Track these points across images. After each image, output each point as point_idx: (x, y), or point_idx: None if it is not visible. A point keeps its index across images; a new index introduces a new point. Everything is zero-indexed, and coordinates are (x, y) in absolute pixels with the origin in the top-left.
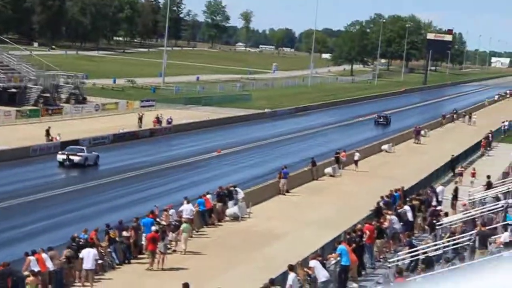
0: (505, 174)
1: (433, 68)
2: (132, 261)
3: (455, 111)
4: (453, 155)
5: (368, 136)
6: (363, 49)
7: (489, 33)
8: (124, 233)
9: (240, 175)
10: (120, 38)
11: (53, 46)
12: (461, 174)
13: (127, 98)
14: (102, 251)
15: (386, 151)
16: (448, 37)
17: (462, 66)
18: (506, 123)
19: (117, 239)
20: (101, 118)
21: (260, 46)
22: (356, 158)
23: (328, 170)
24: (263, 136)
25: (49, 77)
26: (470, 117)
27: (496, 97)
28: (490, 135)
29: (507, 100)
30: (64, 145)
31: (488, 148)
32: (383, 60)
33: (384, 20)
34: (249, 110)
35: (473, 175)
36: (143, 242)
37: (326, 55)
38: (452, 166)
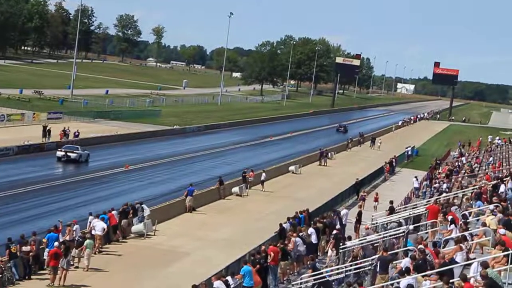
0: (407, 200)
1: (341, 91)
2: (33, 276)
3: (361, 135)
4: (357, 179)
5: (276, 157)
6: (273, 70)
7: (396, 60)
8: (24, 248)
9: (147, 192)
10: (29, 48)
11: None
12: (363, 199)
13: (34, 110)
14: (2, 266)
15: (293, 172)
16: (356, 62)
17: (369, 90)
18: (409, 149)
19: (18, 253)
20: (5, 129)
21: (171, 62)
22: (262, 178)
23: (235, 189)
24: (172, 153)
25: None
26: (375, 142)
27: (400, 123)
28: (393, 160)
29: (411, 126)
30: None
31: (392, 173)
32: (292, 82)
33: (294, 42)
34: (158, 126)
35: (376, 199)
36: (45, 258)
37: (236, 74)
38: (356, 189)
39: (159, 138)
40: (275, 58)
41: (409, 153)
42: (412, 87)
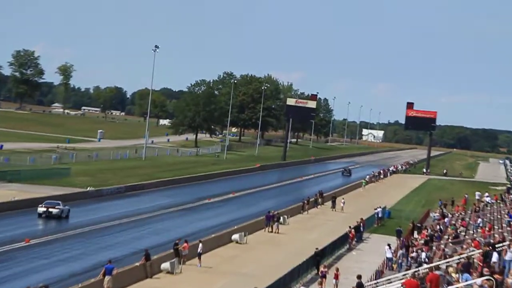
0: (379, 273)
1: (294, 140)
2: None
3: (319, 194)
4: (317, 249)
5: (216, 223)
6: (210, 115)
7: (360, 101)
8: None
9: (54, 272)
10: None
11: None
12: (324, 276)
13: None
14: None
15: (237, 242)
16: (312, 104)
17: (328, 138)
18: (380, 210)
19: None
20: None
21: (83, 108)
22: (199, 250)
23: (165, 265)
24: (85, 222)
25: None
26: (336, 202)
27: (367, 178)
28: (360, 224)
29: (380, 181)
30: None
31: (359, 241)
32: (234, 129)
33: (235, 81)
34: (67, 188)
35: (336, 276)
36: None
37: (164, 121)
38: (316, 262)
39: (68, 203)
40: (212, 100)
41: (380, 215)
42: (380, 133)
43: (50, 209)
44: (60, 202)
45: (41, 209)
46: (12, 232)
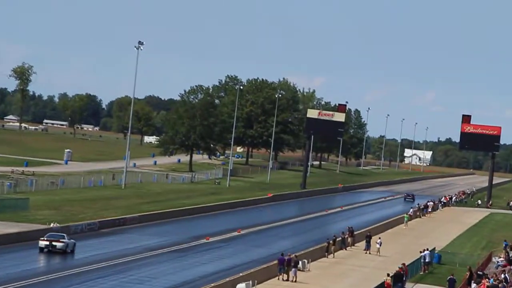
0: None
1: (316, 163)
2: None
3: (349, 232)
4: None
5: (216, 269)
6: (208, 131)
7: (401, 113)
8: None
9: None
10: None
11: None
12: None
13: None
14: None
15: None
16: (340, 117)
17: (361, 161)
18: (427, 253)
19: None
20: None
21: (45, 121)
22: None
23: None
24: (48, 269)
25: None
26: (370, 242)
27: (411, 212)
28: (402, 271)
29: (428, 216)
30: None
31: None
32: (239, 149)
33: (241, 87)
34: (24, 224)
35: None
36: None
37: (150, 138)
38: None
39: (26, 244)
40: (211, 112)
41: (427, 259)
42: (428, 154)
43: (54, 243)
44: (64, 235)
45: (43, 242)
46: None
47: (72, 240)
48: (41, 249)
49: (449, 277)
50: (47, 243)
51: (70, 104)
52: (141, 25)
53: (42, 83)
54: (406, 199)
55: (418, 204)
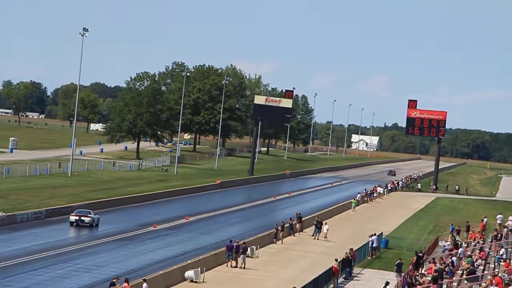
0: None
1: (264, 149)
2: None
3: (297, 218)
4: None
5: (164, 256)
6: (155, 118)
7: (348, 98)
8: None
9: None
10: None
11: None
12: None
13: None
14: None
15: (192, 281)
16: (287, 103)
17: (309, 147)
18: (374, 238)
19: None
20: None
21: None
22: None
23: None
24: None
25: None
26: (320, 228)
27: (358, 197)
28: (350, 256)
29: (375, 202)
30: None
31: (348, 277)
32: (187, 136)
33: (188, 73)
34: None
35: None
36: None
37: (97, 126)
38: None
39: None
40: (158, 99)
41: (375, 244)
42: (375, 140)
43: (83, 218)
44: (91, 211)
45: (73, 217)
46: None
47: (97, 216)
48: (71, 223)
49: (397, 261)
50: (77, 218)
51: (15, 91)
52: (86, 11)
53: None
54: (389, 174)
55: (365, 189)
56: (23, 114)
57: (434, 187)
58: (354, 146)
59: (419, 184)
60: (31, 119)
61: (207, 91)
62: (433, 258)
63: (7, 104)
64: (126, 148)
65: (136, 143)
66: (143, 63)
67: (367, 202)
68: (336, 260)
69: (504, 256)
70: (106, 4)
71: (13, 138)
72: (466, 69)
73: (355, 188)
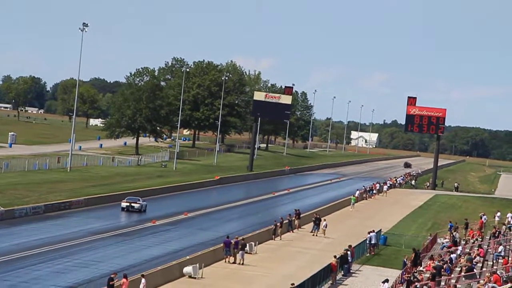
0: None
1: (263, 145)
2: None
3: (296, 214)
4: (292, 285)
5: (163, 252)
6: (155, 114)
7: (348, 95)
8: None
9: None
10: None
11: None
12: None
13: None
14: None
15: (191, 276)
16: (287, 99)
17: (308, 143)
18: (373, 235)
19: None
20: None
21: None
22: (142, 287)
23: None
24: None
25: None
26: (318, 224)
27: (357, 194)
28: (347, 253)
29: (374, 198)
30: None
31: (346, 274)
32: (186, 131)
33: (188, 69)
34: None
35: None
36: None
37: (96, 121)
38: None
39: None
40: (157, 95)
41: (373, 241)
42: (374, 137)
43: (133, 204)
44: (139, 198)
45: (124, 203)
46: None
47: (145, 202)
48: (123, 209)
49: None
50: (128, 204)
51: (14, 86)
52: (86, 7)
53: None
54: (405, 166)
55: (364, 186)
56: (22, 109)
57: (428, 185)
58: (353, 143)
59: (413, 181)
60: (30, 114)
61: (206, 87)
62: (432, 255)
63: (7, 98)
64: (125, 143)
65: (135, 139)
66: (142, 58)
67: (366, 199)
68: (335, 256)
69: (502, 254)
70: None
71: (12, 133)
72: (465, 66)
73: (354, 185)
